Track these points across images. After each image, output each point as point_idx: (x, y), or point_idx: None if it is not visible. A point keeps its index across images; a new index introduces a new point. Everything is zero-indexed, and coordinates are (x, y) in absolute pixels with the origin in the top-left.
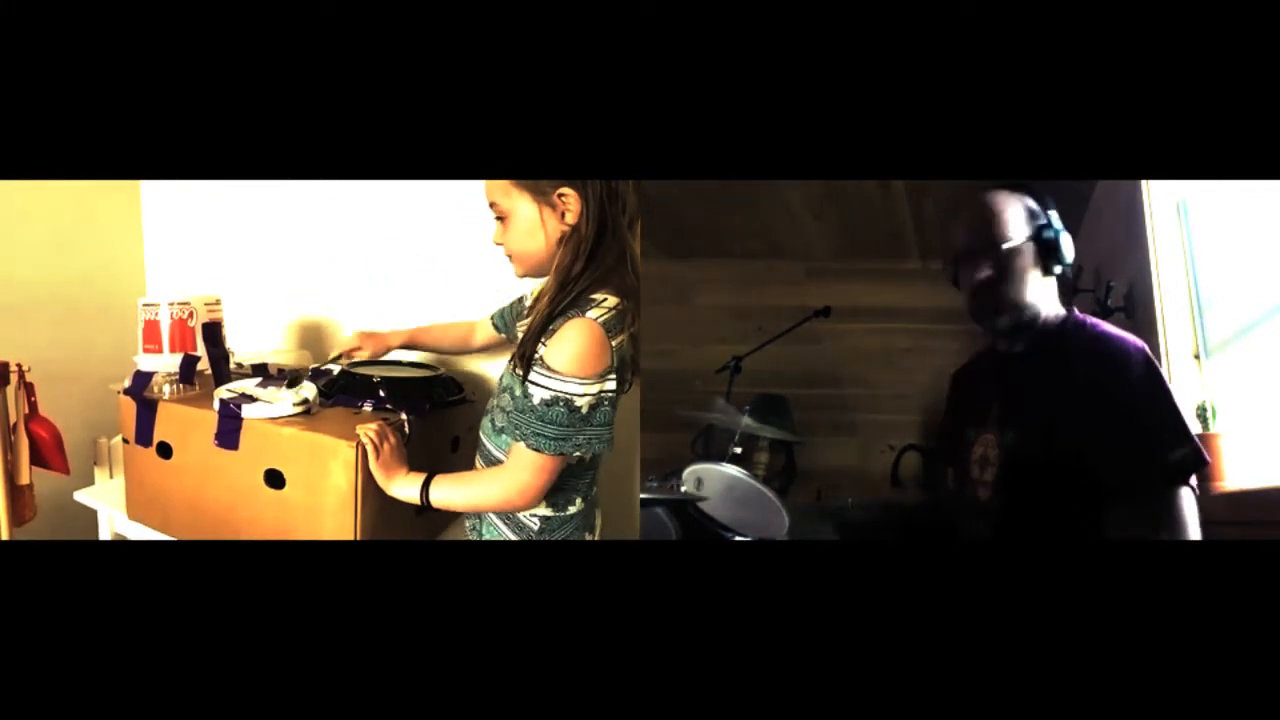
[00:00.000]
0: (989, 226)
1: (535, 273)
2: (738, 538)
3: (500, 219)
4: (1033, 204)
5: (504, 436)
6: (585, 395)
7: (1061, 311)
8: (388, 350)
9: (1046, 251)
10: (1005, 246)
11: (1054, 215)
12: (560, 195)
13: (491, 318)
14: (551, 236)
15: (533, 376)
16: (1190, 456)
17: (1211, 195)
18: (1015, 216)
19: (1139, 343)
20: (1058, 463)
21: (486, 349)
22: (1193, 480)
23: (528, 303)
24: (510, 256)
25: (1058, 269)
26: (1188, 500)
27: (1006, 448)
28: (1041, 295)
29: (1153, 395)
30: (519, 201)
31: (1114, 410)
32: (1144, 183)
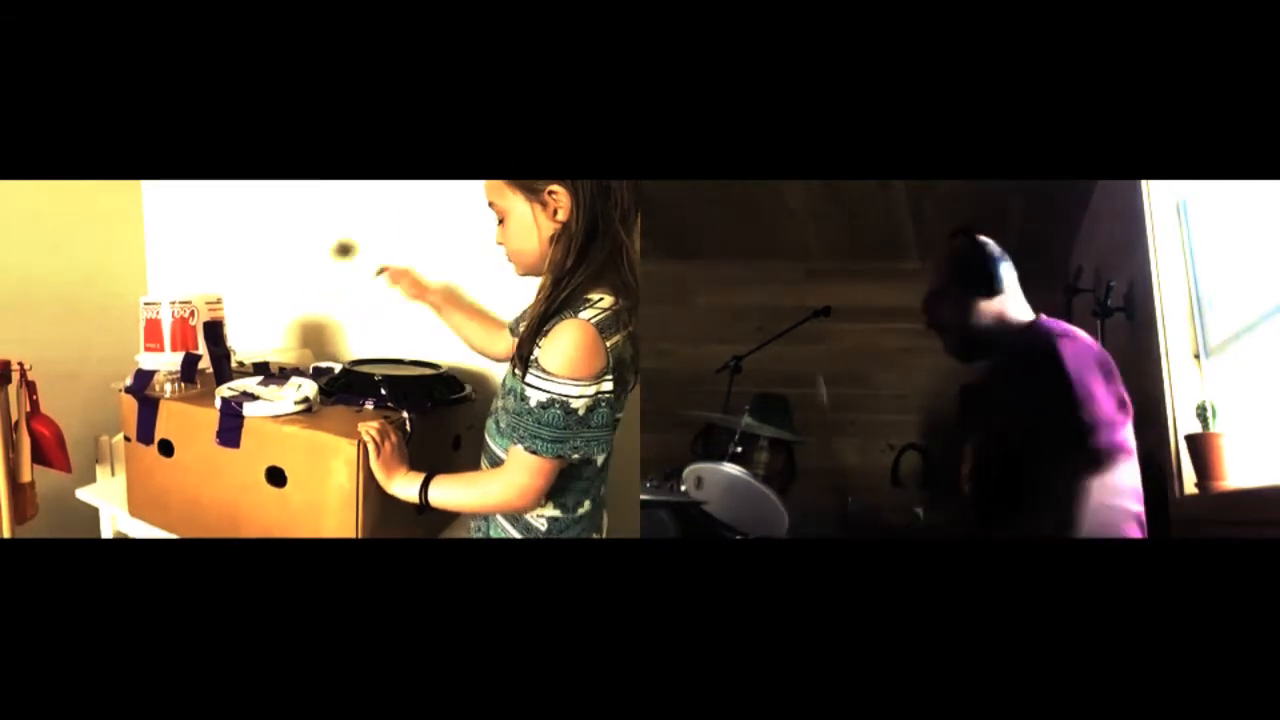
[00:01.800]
0: (929, 285)
1: (533, 271)
2: (738, 537)
3: (500, 220)
4: (951, 250)
5: (506, 438)
6: (581, 397)
7: (1029, 318)
8: (420, 296)
9: (976, 282)
10: (932, 298)
11: (991, 248)
12: (550, 193)
13: (509, 325)
14: (545, 234)
15: (529, 379)
16: (1078, 427)
17: (1211, 195)
18: (946, 269)
19: (1057, 331)
20: (1004, 461)
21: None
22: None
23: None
24: (509, 256)
25: (999, 287)
26: (1094, 486)
27: (977, 451)
28: (994, 314)
29: (1048, 377)
30: (513, 200)
31: (1025, 398)
32: (1144, 183)
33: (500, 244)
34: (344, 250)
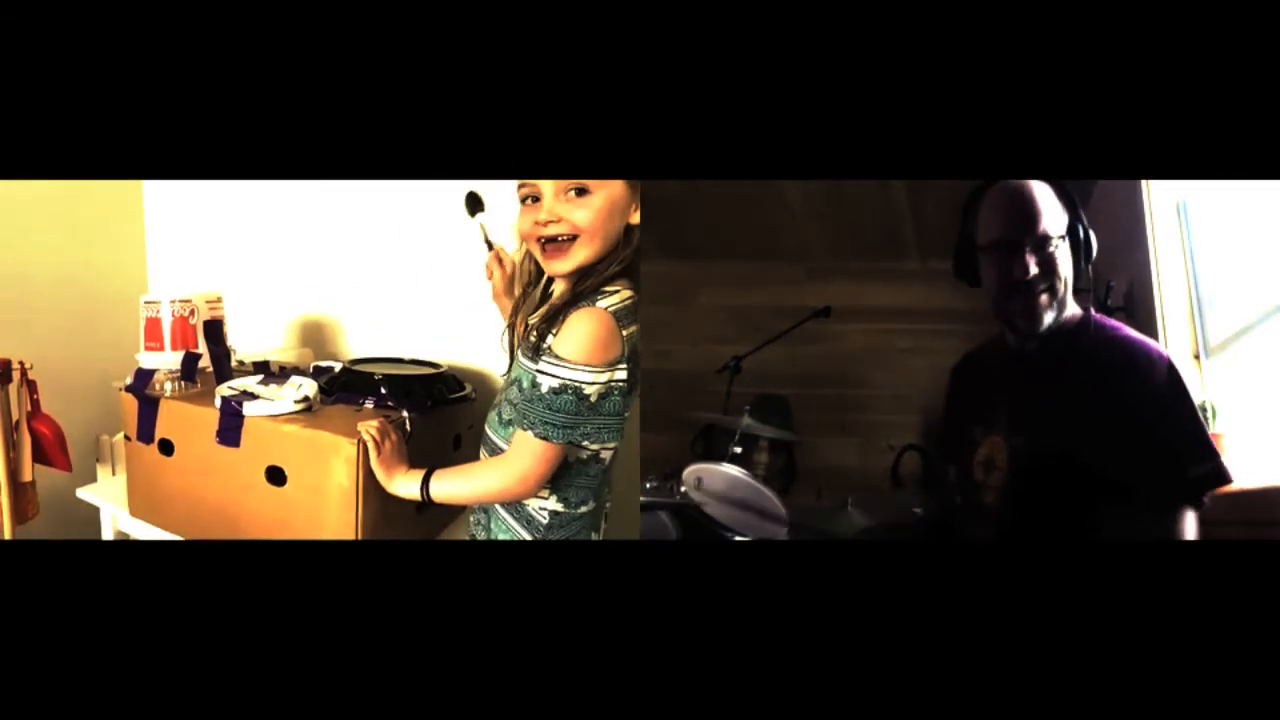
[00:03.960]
0: (1032, 219)
1: (592, 257)
2: (738, 538)
3: (581, 191)
4: (1064, 194)
5: (511, 428)
6: (594, 384)
7: (1079, 311)
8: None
9: (1079, 248)
10: (1051, 240)
11: (1080, 207)
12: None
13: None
14: (624, 222)
15: (541, 365)
16: (1212, 473)
17: (1211, 195)
18: (1054, 208)
19: (1161, 349)
20: (1069, 471)
21: None
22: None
23: (536, 293)
24: (580, 234)
25: (1084, 265)
26: (1189, 521)
27: (1015, 452)
28: (1070, 295)
29: (1175, 406)
30: (613, 185)
31: (1133, 420)
32: (1144, 183)
33: (554, 211)
34: (474, 203)
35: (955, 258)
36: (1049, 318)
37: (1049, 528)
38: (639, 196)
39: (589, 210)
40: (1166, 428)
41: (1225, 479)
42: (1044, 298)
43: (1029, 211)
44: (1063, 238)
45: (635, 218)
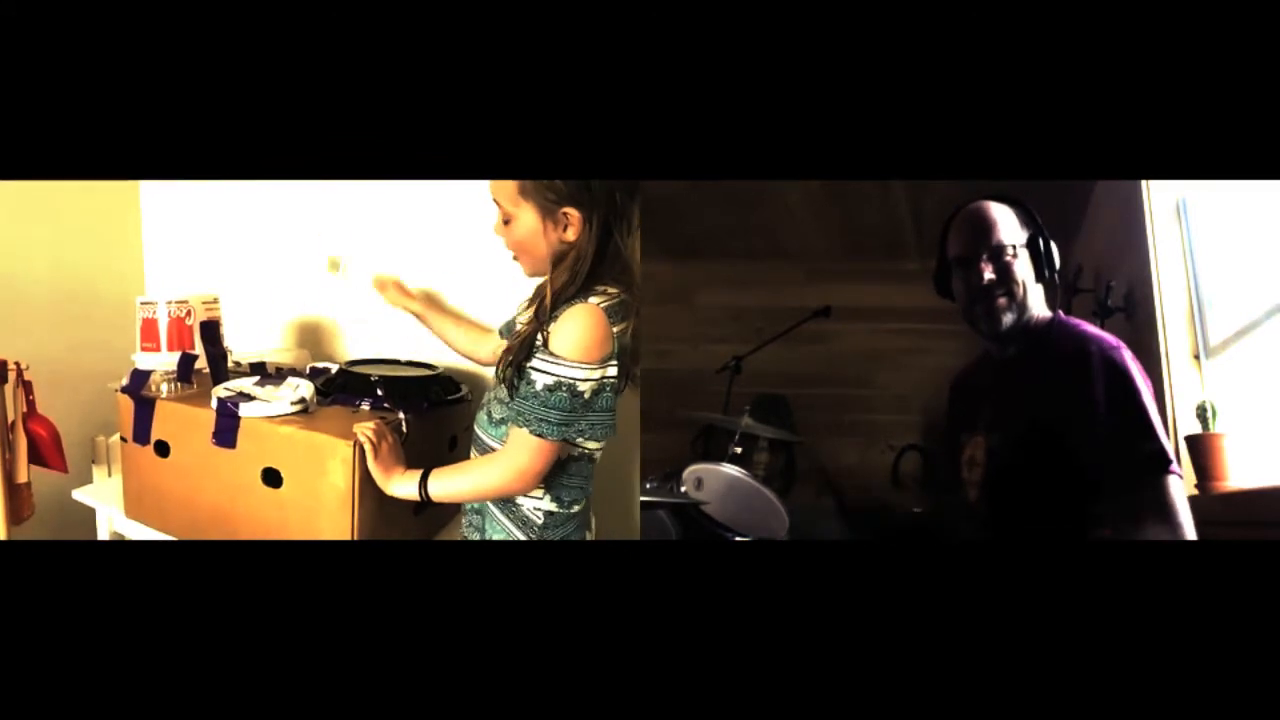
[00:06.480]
0: (987, 233)
1: (540, 271)
2: (738, 538)
3: (505, 220)
4: (1024, 213)
5: (502, 428)
6: (588, 380)
7: (1047, 315)
8: (404, 303)
9: (1040, 258)
10: (1006, 250)
11: (1041, 225)
12: (564, 212)
13: (499, 329)
14: (551, 246)
15: (535, 363)
16: (1155, 453)
17: (1211, 195)
18: (1011, 224)
19: (1110, 340)
20: (1037, 463)
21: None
22: (1177, 470)
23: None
24: (512, 253)
25: (1047, 275)
26: (1176, 489)
27: (992, 449)
28: (1034, 300)
29: (1125, 391)
30: (524, 210)
31: (1084, 409)
32: (1144, 183)
33: (499, 235)
34: (332, 266)
35: (935, 276)
36: (1008, 319)
37: (1029, 520)
38: (571, 222)
39: (510, 232)
40: (1118, 412)
41: (1167, 460)
42: (1002, 301)
43: (985, 228)
44: (1017, 249)
45: (570, 235)
